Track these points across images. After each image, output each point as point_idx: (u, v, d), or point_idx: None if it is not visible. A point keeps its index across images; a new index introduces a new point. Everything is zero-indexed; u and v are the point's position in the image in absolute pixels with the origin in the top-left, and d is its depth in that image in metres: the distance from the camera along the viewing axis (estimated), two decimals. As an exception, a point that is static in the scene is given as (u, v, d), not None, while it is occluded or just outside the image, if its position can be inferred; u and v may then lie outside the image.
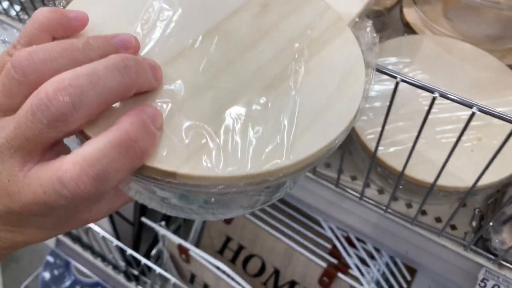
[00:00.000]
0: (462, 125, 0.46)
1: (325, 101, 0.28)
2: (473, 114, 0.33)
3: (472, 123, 0.35)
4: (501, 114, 0.33)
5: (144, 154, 0.23)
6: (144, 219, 0.75)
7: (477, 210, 0.51)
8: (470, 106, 0.33)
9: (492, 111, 0.33)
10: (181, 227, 0.84)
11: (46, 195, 0.22)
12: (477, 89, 0.51)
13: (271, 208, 0.78)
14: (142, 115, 0.23)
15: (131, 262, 0.81)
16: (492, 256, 0.46)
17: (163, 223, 0.72)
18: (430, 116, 0.48)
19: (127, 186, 0.28)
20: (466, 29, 0.56)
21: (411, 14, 0.60)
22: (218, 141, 0.25)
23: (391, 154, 0.45)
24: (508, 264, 0.46)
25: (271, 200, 0.31)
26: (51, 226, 0.27)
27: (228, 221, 0.80)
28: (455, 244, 0.48)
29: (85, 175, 0.21)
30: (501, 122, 0.33)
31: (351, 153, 0.55)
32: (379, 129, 0.39)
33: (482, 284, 0.48)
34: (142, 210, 0.84)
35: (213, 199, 0.29)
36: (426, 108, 0.35)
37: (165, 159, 0.24)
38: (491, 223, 0.45)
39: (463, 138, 0.47)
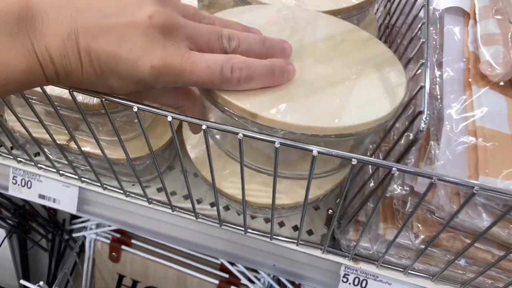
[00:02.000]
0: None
1: (372, 98, 0.37)
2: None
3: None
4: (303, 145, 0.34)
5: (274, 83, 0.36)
6: (22, 281, 0.71)
7: (330, 211, 0.54)
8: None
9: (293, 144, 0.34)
10: (69, 281, 0.80)
11: (210, 70, 0.33)
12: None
13: (149, 244, 0.77)
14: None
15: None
16: (346, 253, 0.49)
17: (41, 283, 0.68)
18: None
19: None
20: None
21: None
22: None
23: (229, 183, 0.46)
24: (361, 258, 0.49)
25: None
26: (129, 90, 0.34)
27: (115, 260, 0.78)
28: (313, 249, 0.50)
29: (246, 70, 0.34)
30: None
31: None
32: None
33: (345, 280, 0.51)
34: (24, 274, 0.79)
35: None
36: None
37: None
38: (336, 226, 0.48)
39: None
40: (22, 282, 0.71)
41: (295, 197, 0.46)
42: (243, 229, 0.51)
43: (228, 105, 0.36)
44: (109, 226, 0.78)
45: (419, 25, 0.44)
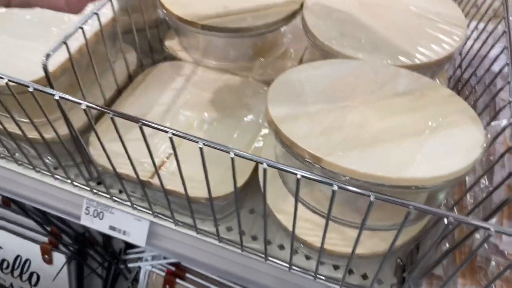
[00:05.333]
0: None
1: (444, 153, 0.38)
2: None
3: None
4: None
5: None
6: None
7: (398, 260, 0.54)
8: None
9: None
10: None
11: None
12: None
13: (204, 279, 0.77)
14: None
15: None
16: (418, 306, 0.49)
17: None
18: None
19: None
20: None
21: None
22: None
23: (307, 231, 0.47)
24: (433, 312, 0.48)
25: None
26: None
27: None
28: (384, 299, 0.50)
29: None
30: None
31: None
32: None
33: (414, 333, 0.50)
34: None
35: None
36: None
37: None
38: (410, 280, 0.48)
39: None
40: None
41: (371, 247, 0.46)
42: (313, 274, 0.51)
43: (294, 147, 0.38)
44: (164, 258, 0.79)
45: (504, 86, 0.44)
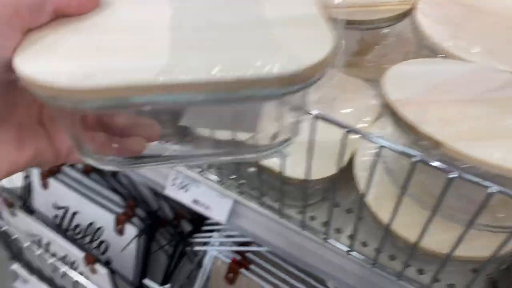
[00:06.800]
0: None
1: None
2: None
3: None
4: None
5: None
6: (146, 281, 0.74)
7: (489, 276, 0.51)
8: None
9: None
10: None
11: None
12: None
13: (276, 268, 0.77)
14: None
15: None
16: (508, 325, 0.46)
17: (167, 286, 0.71)
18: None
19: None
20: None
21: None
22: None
23: (403, 225, 0.45)
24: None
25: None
26: None
27: (231, 280, 0.79)
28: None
29: None
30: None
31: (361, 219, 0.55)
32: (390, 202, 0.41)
33: None
34: (143, 271, 0.82)
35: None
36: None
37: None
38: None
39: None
40: (146, 281, 0.75)
41: (470, 251, 0.44)
42: (396, 275, 0.49)
43: (413, 131, 0.37)
44: (231, 246, 0.80)
45: None
